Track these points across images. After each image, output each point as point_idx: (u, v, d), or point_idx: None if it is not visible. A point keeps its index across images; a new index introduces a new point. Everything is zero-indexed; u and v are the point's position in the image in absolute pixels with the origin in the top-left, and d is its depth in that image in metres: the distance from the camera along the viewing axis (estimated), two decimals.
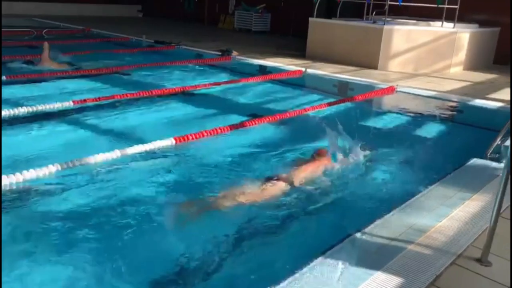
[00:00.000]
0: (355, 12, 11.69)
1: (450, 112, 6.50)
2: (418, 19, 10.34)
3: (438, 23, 9.67)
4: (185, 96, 6.59)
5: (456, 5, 9.42)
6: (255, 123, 5.06)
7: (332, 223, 3.22)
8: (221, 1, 16.93)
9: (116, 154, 3.76)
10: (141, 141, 4.16)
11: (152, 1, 19.25)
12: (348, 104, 6.44)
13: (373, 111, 6.44)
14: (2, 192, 3.18)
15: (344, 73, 8.63)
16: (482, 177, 3.83)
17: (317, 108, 5.91)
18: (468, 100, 6.76)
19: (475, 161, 4.17)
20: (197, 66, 8.85)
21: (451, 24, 9.56)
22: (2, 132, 4.19)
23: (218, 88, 6.99)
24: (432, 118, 6.04)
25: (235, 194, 3.37)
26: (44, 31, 11.34)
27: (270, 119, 5.27)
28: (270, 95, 7.04)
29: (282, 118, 5.42)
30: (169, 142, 4.17)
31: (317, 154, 4.11)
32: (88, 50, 9.42)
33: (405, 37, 9.26)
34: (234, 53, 9.64)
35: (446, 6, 9.52)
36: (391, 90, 7.12)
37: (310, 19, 10.34)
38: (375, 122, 5.80)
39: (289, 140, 4.92)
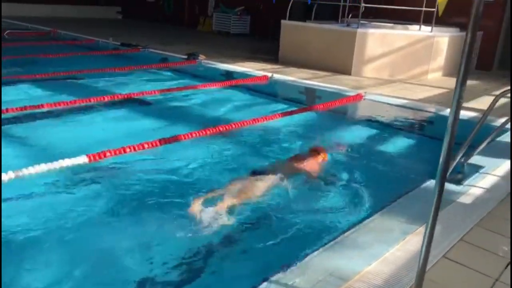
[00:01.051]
0: (335, 15, 11.20)
1: (417, 123, 6.00)
2: (398, 22, 9.86)
3: (417, 27, 9.20)
4: (131, 103, 6.09)
5: (434, 7, 8.93)
6: (193, 136, 4.54)
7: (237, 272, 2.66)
8: (201, 3, 16.42)
9: (9, 176, 3.21)
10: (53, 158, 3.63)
11: (132, 3, 18.72)
12: (308, 113, 5.92)
13: (332, 121, 5.92)
14: None
15: (314, 79, 8.14)
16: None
17: (271, 118, 5.40)
18: (439, 110, 6.26)
19: (430, 183, 3.66)
20: (158, 71, 8.34)
21: (429, 28, 9.08)
22: None
23: (170, 95, 6.47)
24: (395, 130, 5.52)
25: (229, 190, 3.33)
26: (6, 32, 10.78)
27: (213, 131, 4.75)
28: (227, 103, 6.52)
29: (228, 129, 4.90)
30: (80, 160, 3.63)
31: (313, 150, 4.15)
32: (50, 53, 8.88)
33: (379, 41, 8.78)
34: (201, 57, 9.12)
35: (423, 9, 9.04)
36: (358, 98, 6.62)
37: (283, 21, 9.85)
38: (329, 135, 5.27)
39: (231, 156, 4.40)
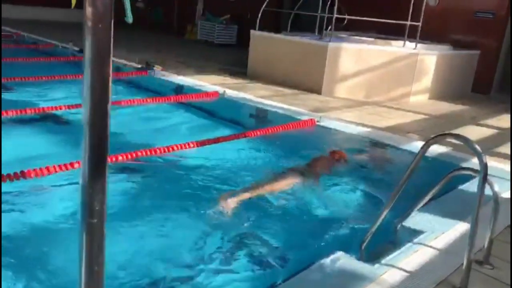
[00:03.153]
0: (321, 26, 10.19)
1: (370, 160, 4.89)
2: (387, 37, 8.82)
3: (401, 43, 8.14)
4: (47, 120, 5.22)
5: (419, 21, 7.88)
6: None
7: None
8: (189, 10, 15.59)
9: None
10: None
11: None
12: (242, 140, 4.91)
13: (268, 151, 4.88)
14: None
15: (275, 97, 7.13)
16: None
17: (185, 146, 4.40)
18: (402, 143, 5.17)
19: (339, 255, 2.61)
20: None
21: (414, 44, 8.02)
22: None
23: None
24: (338, 169, 4.44)
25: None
26: None
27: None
28: (153, 123, 5.58)
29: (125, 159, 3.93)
30: None
31: (333, 152, 4.51)
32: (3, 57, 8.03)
33: (355, 57, 7.74)
34: (157, 67, 8.19)
35: (408, 22, 7.99)
36: (309, 123, 5.59)
37: (252, 32, 8.89)
38: (256, 171, 4.24)
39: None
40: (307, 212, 3.55)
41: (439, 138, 2.53)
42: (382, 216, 2.82)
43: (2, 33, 11.16)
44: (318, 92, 7.75)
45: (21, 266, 2.53)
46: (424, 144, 2.48)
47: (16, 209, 3.18)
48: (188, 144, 4.38)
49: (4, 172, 3.27)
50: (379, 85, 7.84)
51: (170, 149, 4.38)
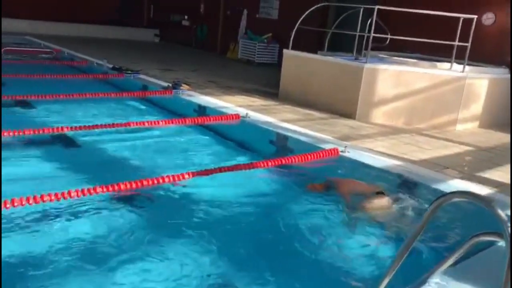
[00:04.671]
0: (359, 46, 9.55)
1: (401, 202, 4.19)
2: (425, 57, 8.07)
3: (448, 65, 7.36)
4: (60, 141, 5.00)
5: (467, 42, 7.08)
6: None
7: None
8: (233, 29, 15.37)
9: None
10: None
11: (168, 27, 18.14)
12: (245, 172, 4.38)
13: (276, 183, 4.33)
14: None
15: (302, 121, 6.58)
16: None
17: (178, 178, 3.94)
18: (437, 181, 4.44)
19: None
20: (124, 100, 7.21)
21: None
22: None
23: (109, 130, 5.31)
24: (359, 214, 3.79)
25: None
26: (3, 49, 10.23)
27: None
28: (167, 148, 5.24)
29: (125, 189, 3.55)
30: None
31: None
32: (36, 73, 8.04)
33: (394, 79, 7.04)
34: (184, 87, 7.85)
35: (456, 43, 7.21)
36: (332, 153, 4.97)
37: (285, 51, 8.40)
38: (259, 210, 3.70)
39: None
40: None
41: (450, 196, 1.88)
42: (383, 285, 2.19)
43: (43, 49, 11.41)
44: (352, 116, 7.10)
45: None
46: (434, 202, 1.86)
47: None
48: (183, 175, 3.91)
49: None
50: (421, 111, 7.09)
51: (161, 180, 3.94)
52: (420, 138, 6.37)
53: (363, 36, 7.73)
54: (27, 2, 16.00)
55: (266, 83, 10.00)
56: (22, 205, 3.21)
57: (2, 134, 4.62)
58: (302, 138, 5.58)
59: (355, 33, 8.02)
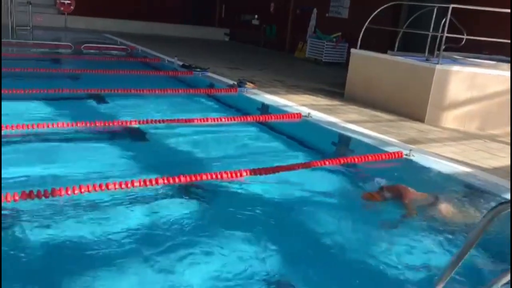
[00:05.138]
0: (432, 46, 9.14)
1: (465, 211, 3.96)
2: (504, 59, 7.57)
3: None
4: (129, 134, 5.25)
5: None
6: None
7: None
8: (302, 28, 15.31)
9: None
10: None
11: (238, 26, 18.41)
12: (307, 170, 4.35)
13: (330, 184, 4.24)
14: None
15: (367, 123, 6.41)
16: None
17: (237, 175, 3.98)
18: (507, 191, 4.16)
19: None
20: (190, 97, 7.42)
21: None
22: None
23: (174, 125, 5.52)
24: (427, 221, 3.63)
25: None
26: (83, 46, 10.90)
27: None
28: (228, 143, 5.31)
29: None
30: None
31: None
32: (111, 69, 8.53)
33: (467, 82, 6.68)
34: (249, 85, 7.93)
35: None
36: (395, 156, 4.80)
37: (352, 50, 8.23)
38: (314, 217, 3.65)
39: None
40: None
41: (505, 206, 1.75)
42: None
43: (119, 47, 11.99)
44: (421, 120, 6.82)
45: None
46: (491, 210, 1.73)
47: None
48: (241, 172, 3.95)
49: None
50: (496, 116, 6.67)
51: (219, 175, 3.99)
52: (493, 144, 6.00)
53: (436, 36, 7.39)
54: (107, 1, 16.88)
55: (333, 82, 9.86)
56: (89, 191, 3.41)
57: (75, 124, 4.96)
58: (365, 140, 5.45)
59: (427, 32, 7.69)
